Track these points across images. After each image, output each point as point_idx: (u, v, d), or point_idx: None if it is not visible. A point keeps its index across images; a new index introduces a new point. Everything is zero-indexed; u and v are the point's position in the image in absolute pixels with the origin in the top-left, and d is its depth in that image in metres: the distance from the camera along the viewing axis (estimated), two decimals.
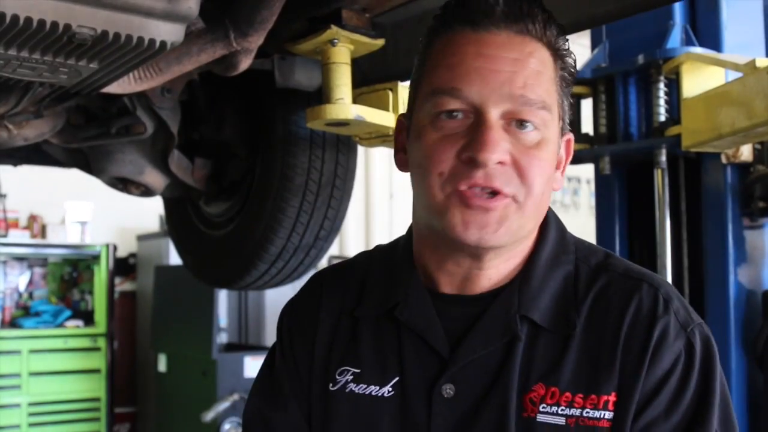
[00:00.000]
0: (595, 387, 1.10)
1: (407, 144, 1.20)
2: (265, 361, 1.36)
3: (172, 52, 1.79)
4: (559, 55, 1.14)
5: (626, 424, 1.09)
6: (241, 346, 6.32)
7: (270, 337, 6.61)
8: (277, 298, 6.54)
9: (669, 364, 1.10)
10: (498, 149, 1.06)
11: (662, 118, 2.68)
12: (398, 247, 1.29)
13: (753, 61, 2.24)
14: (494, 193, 1.08)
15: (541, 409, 1.10)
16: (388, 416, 1.16)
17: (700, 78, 2.58)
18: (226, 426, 5.28)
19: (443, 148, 1.10)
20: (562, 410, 1.10)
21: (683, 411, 1.10)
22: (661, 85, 2.68)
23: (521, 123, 1.09)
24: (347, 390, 1.20)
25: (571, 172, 9.37)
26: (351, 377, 1.20)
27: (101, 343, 6.10)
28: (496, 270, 1.17)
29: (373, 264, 1.30)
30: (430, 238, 1.18)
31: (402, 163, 1.23)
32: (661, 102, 2.68)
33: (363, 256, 1.34)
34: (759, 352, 2.75)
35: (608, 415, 1.09)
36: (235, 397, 5.28)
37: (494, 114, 1.08)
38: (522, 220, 1.11)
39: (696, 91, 2.57)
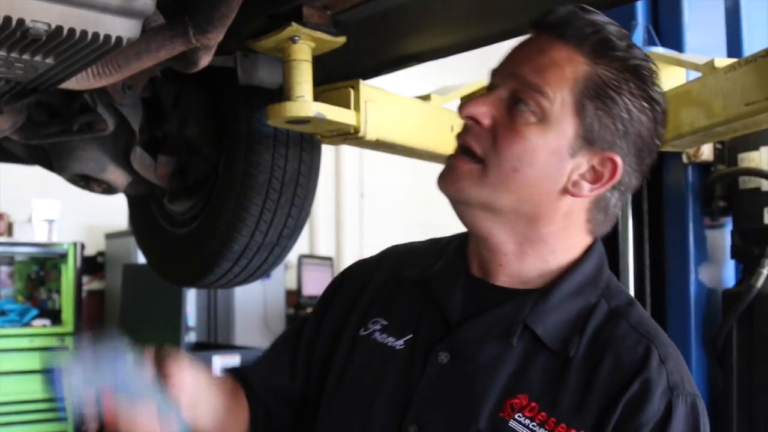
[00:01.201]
0: (568, 418, 1.15)
1: None
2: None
3: (130, 48, 1.78)
4: (596, 64, 1.19)
5: None
6: (210, 345, 6.29)
7: (239, 337, 6.59)
8: (246, 296, 6.53)
9: (645, 420, 1.13)
10: (476, 107, 1.20)
11: None
12: None
13: (712, 62, 2.26)
14: (467, 153, 1.21)
15: (516, 417, 1.17)
16: (393, 366, 1.28)
17: (661, 77, 2.60)
18: None
19: None
20: (533, 426, 1.16)
21: None
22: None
23: (518, 100, 1.19)
24: (372, 337, 1.33)
25: None
26: (379, 327, 1.33)
27: (68, 342, 6.04)
28: (511, 263, 1.26)
29: (442, 241, 1.44)
30: None
31: None
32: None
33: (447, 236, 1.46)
34: (719, 350, 2.78)
35: None
36: None
37: (499, 88, 1.22)
38: (486, 188, 1.20)
39: None
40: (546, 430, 1.15)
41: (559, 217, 1.24)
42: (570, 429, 1.15)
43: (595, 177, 1.22)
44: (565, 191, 1.22)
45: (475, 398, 1.19)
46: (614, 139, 1.20)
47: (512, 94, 1.20)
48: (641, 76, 1.21)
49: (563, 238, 1.25)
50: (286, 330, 1.52)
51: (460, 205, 1.24)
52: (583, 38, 1.19)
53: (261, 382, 1.45)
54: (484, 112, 1.20)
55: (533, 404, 1.17)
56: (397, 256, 1.45)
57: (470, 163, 1.20)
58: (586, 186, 1.22)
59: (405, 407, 1.24)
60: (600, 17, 1.22)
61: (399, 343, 1.30)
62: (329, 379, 1.35)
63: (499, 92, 1.21)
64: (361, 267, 1.50)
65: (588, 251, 1.28)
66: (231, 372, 1.50)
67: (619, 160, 1.21)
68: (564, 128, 1.19)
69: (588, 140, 1.20)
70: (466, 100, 1.23)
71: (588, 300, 1.24)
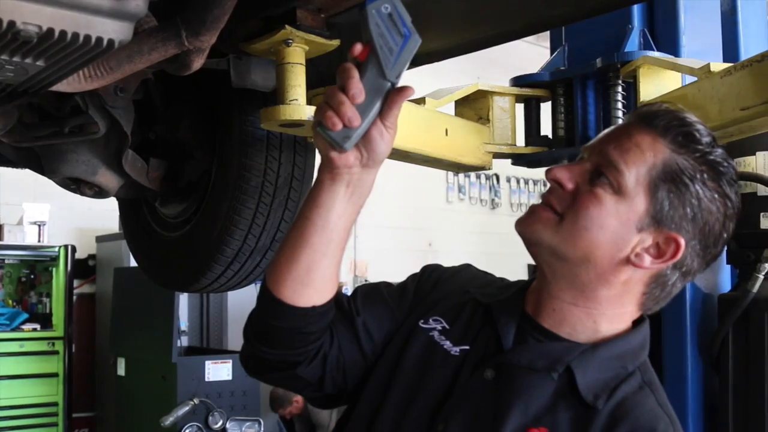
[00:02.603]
0: None
1: None
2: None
3: (122, 51, 1.76)
4: (677, 152, 1.32)
5: None
6: (203, 349, 6.27)
7: (232, 341, 6.57)
8: (239, 301, 6.50)
9: None
10: (562, 172, 1.35)
11: (620, 122, 2.68)
12: None
13: (708, 66, 2.24)
14: (548, 207, 1.36)
15: None
16: (445, 369, 1.40)
17: (657, 81, 2.59)
18: (186, 430, 5.24)
19: None
20: None
21: None
22: (619, 89, 2.68)
23: (599, 174, 1.32)
24: (430, 333, 1.45)
25: (490, 171, 9.48)
26: (440, 327, 1.46)
27: (59, 346, 6.02)
28: (561, 309, 1.38)
29: (506, 281, 1.59)
30: None
31: None
32: (619, 105, 2.68)
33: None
34: (715, 356, 2.77)
35: None
36: (195, 401, 5.25)
37: (585, 161, 1.36)
38: (556, 237, 1.34)
39: (653, 94, 2.58)
40: None
41: (617, 283, 1.35)
42: None
43: (658, 253, 1.33)
44: (627, 261, 1.33)
45: (503, 417, 1.30)
46: (681, 221, 1.32)
47: (595, 168, 1.34)
48: (717, 171, 1.33)
49: (616, 305, 1.37)
50: (381, 289, 1.58)
51: (532, 246, 1.39)
52: (668, 129, 1.33)
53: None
54: (568, 177, 1.35)
55: None
56: (471, 275, 1.60)
57: (550, 212, 1.35)
58: (647, 259, 1.33)
59: (440, 407, 1.36)
60: (690, 116, 1.36)
61: (455, 350, 1.42)
62: (383, 355, 1.47)
63: (585, 164, 1.35)
64: (440, 270, 1.61)
65: (636, 325, 1.40)
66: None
67: (682, 241, 1.32)
68: (636, 204, 1.32)
69: (656, 219, 1.32)
70: (554, 166, 1.39)
71: (626, 367, 1.35)
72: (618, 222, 1.32)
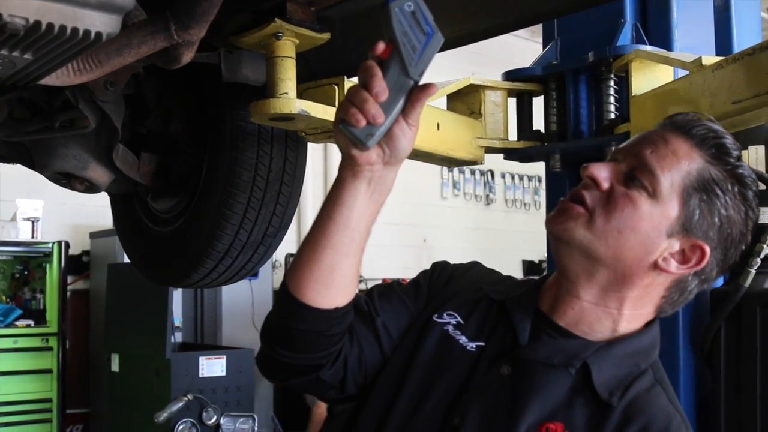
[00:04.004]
0: None
1: None
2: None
3: (111, 44, 1.75)
4: (711, 163, 1.35)
5: None
6: (197, 345, 6.26)
7: (226, 337, 6.57)
8: (233, 296, 6.50)
9: None
10: (598, 170, 1.36)
11: (612, 116, 2.69)
12: None
13: (699, 59, 2.25)
14: (579, 203, 1.36)
15: None
16: (461, 364, 1.42)
17: (648, 76, 2.60)
18: (180, 426, 5.23)
19: None
20: None
21: None
22: (611, 83, 2.69)
23: (635, 179, 1.35)
24: (445, 328, 1.47)
25: (485, 167, 9.49)
26: (454, 322, 1.47)
27: (53, 342, 6.00)
28: (579, 309, 1.40)
29: (515, 280, 1.61)
30: None
31: None
32: (611, 99, 2.69)
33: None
34: (707, 350, 2.78)
35: None
36: (189, 397, 5.24)
37: (622, 162, 1.38)
38: (588, 234, 1.35)
39: (645, 88, 2.59)
40: None
41: (641, 285, 1.38)
42: None
43: (684, 259, 1.37)
44: (654, 265, 1.36)
45: (519, 412, 1.33)
46: (708, 230, 1.36)
47: (630, 170, 1.36)
48: (744, 185, 1.37)
49: (636, 306, 1.40)
50: (395, 288, 1.58)
51: (561, 245, 1.39)
52: (705, 140, 1.36)
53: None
54: (605, 177, 1.36)
55: None
56: (480, 273, 1.61)
57: (581, 208, 1.36)
58: (673, 264, 1.36)
59: (455, 401, 1.38)
60: (721, 128, 1.40)
61: (471, 345, 1.44)
62: (398, 350, 1.48)
63: (620, 166, 1.37)
64: (450, 266, 1.62)
65: (648, 326, 1.43)
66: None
67: (708, 249, 1.36)
68: (669, 209, 1.34)
69: (686, 226, 1.35)
70: (591, 163, 1.39)
71: (639, 365, 1.38)
72: (650, 226, 1.35)
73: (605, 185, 1.36)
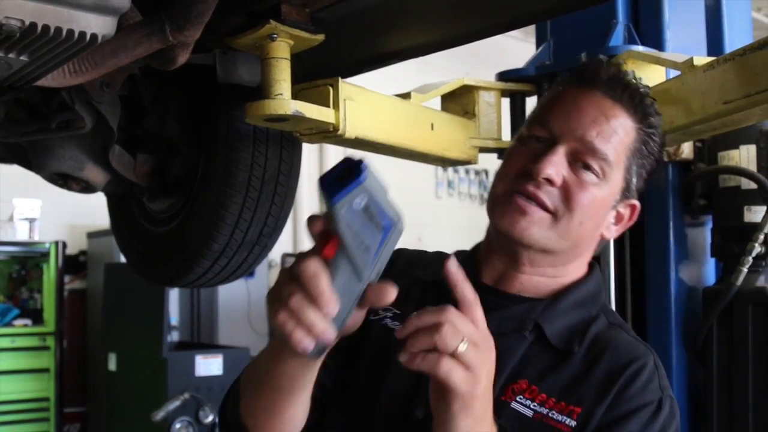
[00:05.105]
0: (567, 397, 1.29)
1: None
2: None
3: (107, 46, 1.77)
4: (643, 131, 1.40)
5: None
6: (193, 344, 6.28)
7: (222, 337, 6.58)
8: (229, 296, 6.52)
9: (636, 406, 1.27)
10: (551, 168, 1.33)
11: None
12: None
13: (690, 60, 2.26)
14: (537, 204, 1.34)
15: (517, 399, 1.30)
16: None
17: (641, 76, 2.61)
18: (177, 425, 5.24)
19: (517, 158, 1.40)
20: (533, 405, 1.29)
21: None
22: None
23: (584, 165, 1.35)
24: (382, 322, 1.43)
25: (479, 167, 9.50)
26: (390, 315, 1.44)
27: (50, 342, 6.02)
28: (529, 279, 1.41)
29: (444, 254, 1.48)
30: (490, 231, 1.47)
31: None
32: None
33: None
34: (699, 348, 2.79)
35: (570, 422, 1.27)
36: (186, 396, 5.25)
37: (563, 147, 1.35)
38: (551, 234, 1.35)
39: None
40: (546, 408, 1.28)
41: (589, 250, 1.45)
42: (569, 405, 1.28)
43: (619, 220, 1.44)
44: (601, 235, 1.43)
45: None
46: (640, 184, 1.43)
47: (576, 155, 1.35)
48: (659, 127, 1.42)
49: (582, 265, 1.46)
50: None
51: (520, 246, 1.38)
52: (637, 106, 1.39)
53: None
54: (556, 173, 1.34)
55: (534, 387, 1.30)
56: (408, 260, 1.56)
57: (542, 212, 1.35)
58: (613, 229, 1.44)
59: (413, 393, 1.33)
60: (631, 76, 1.44)
61: None
62: (346, 363, 1.43)
63: (559, 150, 1.35)
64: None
65: (590, 272, 1.47)
66: None
67: (638, 204, 1.44)
68: (615, 185, 1.38)
69: (626, 192, 1.41)
70: (537, 162, 1.35)
71: (590, 312, 1.40)
72: (603, 207, 1.39)
73: (559, 181, 1.35)
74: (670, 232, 2.81)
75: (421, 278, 1.48)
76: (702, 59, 2.25)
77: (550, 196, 1.35)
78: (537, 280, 1.42)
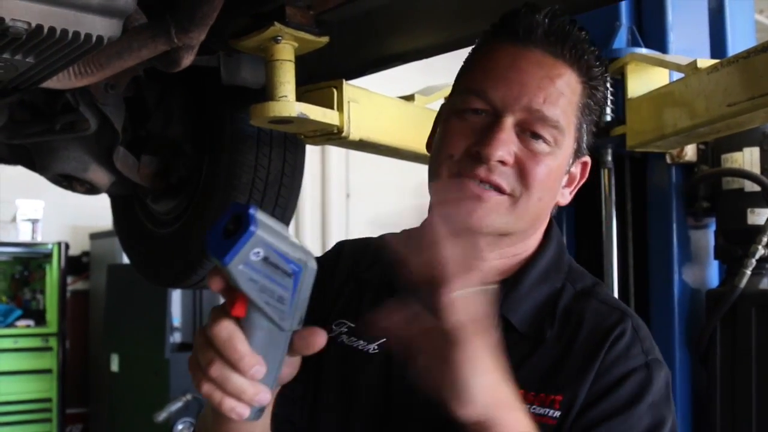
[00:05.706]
0: (546, 387, 1.18)
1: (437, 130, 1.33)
2: None
3: (112, 47, 1.77)
4: (588, 84, 1.26)
5: (568, 422, 1.16)
6: None
7: None
8: None
9: (620, 375, 1.18)
10: (502, 148, 1.19)
11: (608, 118, 2.70)
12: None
13: (694, 62, 2.26)
14: (492, 188, 1.20)
15: None
16: (370, 372, 1.26)
17: (644, 78, 2.61)
18: (179, 426, 5.23)
19: (459, 137, 1.24)
20: None
21: (627, 424, 1.15)
22: (607, 86, 2.69)
23: (534, 135, 1.21)
24: (339, 340, 1.31)
25: None
26: (345, 330, 1.32)
27: (53, 342, 6.02)
28: (489, 264, 1.27)
29: (393, 239, 1.32)
30: (435, 219, 1.22)
31: (428, 146, 1.38)
32: (607, 102, 2.70)
33: (389, 234, 1.39)
34: (702, 351, 2.78)
35: (553, 413, 1.17)
36: (188, 397, 5.24)
37: (510, 119, 1.21)
38: (511, 217, 1.23)
39: (640, 91, 2.60)
40: (527, 404, 1.15)
41: (546, 220, 1.32)
42: (549, 396, 1.18)
43: (570, 181, 1.32)
44: (556, 202, 1.31)
45: None
46: (590, 138, 1.30)
47: (522, 124, 1.21)
48: (604, 77, 1.29)
49: (538, 235, 1.33)
50: None
51: (477, 235, 1.21)
52: (579, 58, 1.24)
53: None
54: (509, 152, 1.20)
55: None
56: (351, 254, 1.44)
57: (499, 195, 1.21)
58: (567, 191, 1.32)
59: (385, 413, 1.24)
60: (578, 25, 1.26)
61: (371, 348, 1.28)
62: (304, 380, 1.29)
63: (507, 124, 1.21)
64: (320, 264, 1.41)
65: (547, 237, 1.34)
66: None
67: (589, 159, 1.33)
68: (566, 149, 1.25)
69: (577, 152, 1.29)
70: (484, 143, 1.20)
71: (554, 285, 1.29)
72: (558, 175, 1.27)
73: (511, 161, 1.21)
74: (673, 234, 2.80)
75: (371, 281, 1.36)
76: (706, 62, 2.26)
77: (504, 177, 1.21)
78: (499, 263, 1.29)
